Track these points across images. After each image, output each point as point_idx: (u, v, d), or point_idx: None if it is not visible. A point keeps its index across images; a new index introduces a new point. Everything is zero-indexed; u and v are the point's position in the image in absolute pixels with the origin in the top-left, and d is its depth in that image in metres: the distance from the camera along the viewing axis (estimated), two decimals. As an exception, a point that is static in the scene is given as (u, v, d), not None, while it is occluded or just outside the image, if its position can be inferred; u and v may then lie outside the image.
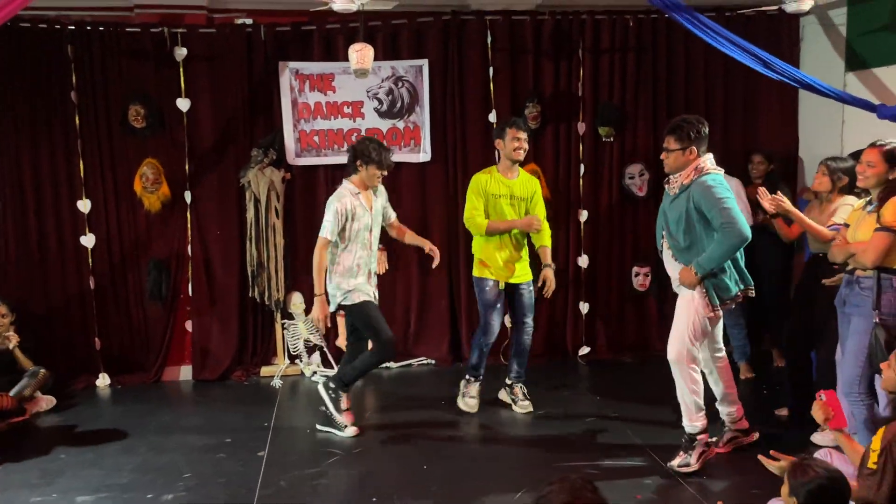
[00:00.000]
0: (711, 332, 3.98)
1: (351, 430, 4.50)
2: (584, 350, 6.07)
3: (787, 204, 4.14)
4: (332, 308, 4.56)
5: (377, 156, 4.40)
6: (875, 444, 2.76)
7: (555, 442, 4.37)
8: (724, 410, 4.18)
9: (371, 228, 4.50)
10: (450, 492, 3.79)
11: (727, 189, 3.73)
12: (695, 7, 5.57)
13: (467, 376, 4.95)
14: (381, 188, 4.61)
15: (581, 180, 6.00)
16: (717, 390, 4.17)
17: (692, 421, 3.95)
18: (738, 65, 5.78)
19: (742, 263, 3.88)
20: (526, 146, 4.75)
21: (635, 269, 6.07)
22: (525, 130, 4.75)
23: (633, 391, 5.26)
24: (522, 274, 4.82)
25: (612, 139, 5.97)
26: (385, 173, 4.50)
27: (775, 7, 4.93)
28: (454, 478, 3.97)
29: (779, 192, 4.41)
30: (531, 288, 4.87)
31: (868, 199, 3.74)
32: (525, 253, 4.85)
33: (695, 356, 3.88)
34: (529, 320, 4.87)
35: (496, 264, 4.74)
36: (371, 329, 4.51)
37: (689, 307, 3.82)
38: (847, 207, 4.21)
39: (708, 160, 3.80)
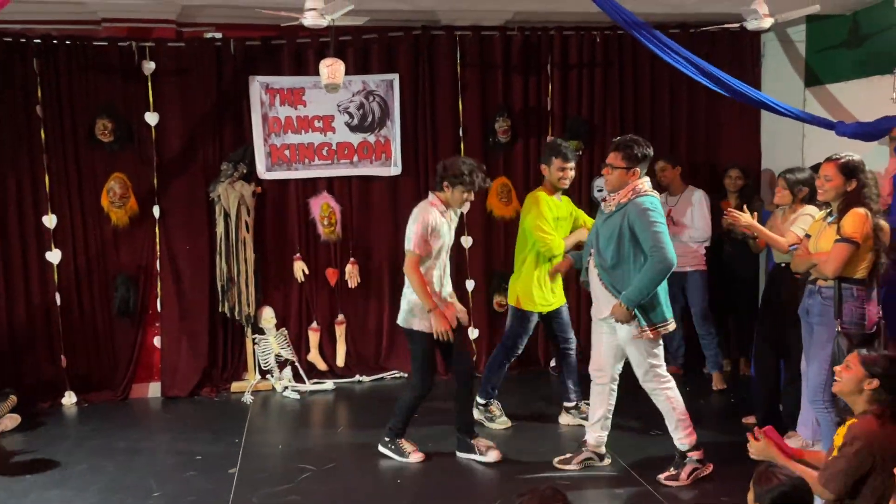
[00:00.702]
0: (627, 352, 3.97)
1: (416, 457, 4.34)
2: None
3: (743, 219, 4.25)
4: (400, 322, 4.32)
5: (468, 177, 4.08)
6: (837, 440, 2.85)
7: (528, 454, 4.40)
8: (595, 435, 4.17)
9: (448, 250, 4.28)
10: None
11: (661, 215, 3.83)
12: (660, 23, 5.72)
13: (484, 400, 4.86)
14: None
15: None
16: (601, 412, 4.15)
17: (681, 435, 3.98)
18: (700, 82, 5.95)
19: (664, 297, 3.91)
20: (572, 174, 4.64)
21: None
22: (573, 160, 4.60)
23: None
24: (561, 295, 4.83)
25: (580, 153, 6.04)
26: (472, 198, 4.21)
27: (737, 25, 5.06)
28: (428, 492, 3.98)
29: (745, 207, 4.52)
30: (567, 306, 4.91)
31: (829, 210, 3.84)
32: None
33: (663, 374, 3.94)
34: (573, 336, 4.90)
35: (548, 291, 4.64)
36: (418, 366, 4.30)
37: (636, 341, 3.86)
38: (806, 218, 4.32)
39: (646, 182, 3.88)
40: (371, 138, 5.87)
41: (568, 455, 4.18)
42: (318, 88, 5.58)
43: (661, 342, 3.95)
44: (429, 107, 5.88)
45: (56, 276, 5.45)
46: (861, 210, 3.63)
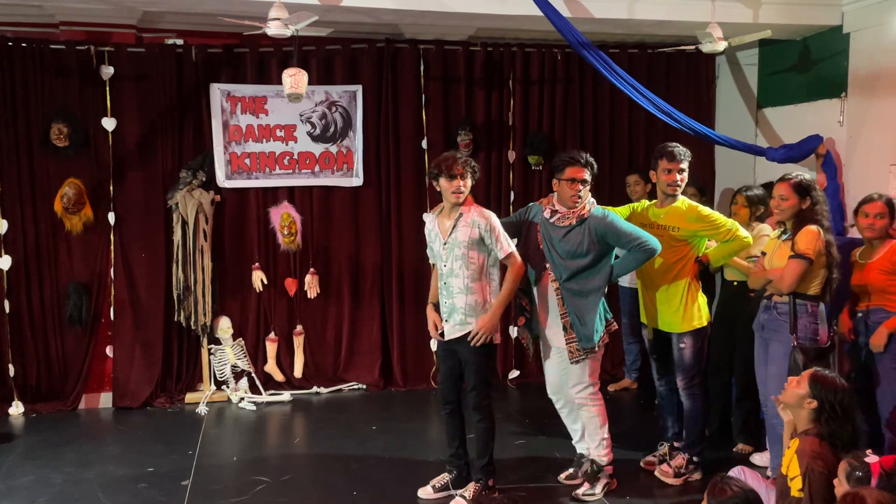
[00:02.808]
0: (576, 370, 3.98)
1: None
2: (514, 373, 6.16)
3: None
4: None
5: (435, 167, 3.79)
6: (792, 469, 2.88)
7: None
8: (583, 446, 4.16)
9: (445, 261, 3.81)
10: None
11: (619, 217, 3.97)
12: (620, 42, 5.85)
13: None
14: (481, 224, 3.75)
15: (511, 207, 6.13)
16: (579, 427, 4.13)
17: (600, 450, 4.04)
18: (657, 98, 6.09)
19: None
20: (681, 178, 4.13)
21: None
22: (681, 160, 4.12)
23: None
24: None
25: (541, 167, 6.13)
26: (459, 183, 3.73)
27: (693, 47, 5.21)
28: None
29: None
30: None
31: (783, 228, 3.94)
32: None
33: (597, 391, 4.02)
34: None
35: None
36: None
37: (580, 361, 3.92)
38: (764, 238, 4.44)
39: (590, 195, 3.99)
40: (333, 149, 5.86)
41: (586, 485, 4.01)
42: (280, 97, 5.57)
43: (599, 359, 4.01)
44: (392, 118, 5.90)
45: (5, 283, 5.31)
46: (813, 227, 3.74)
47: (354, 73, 5.83)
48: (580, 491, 4.00)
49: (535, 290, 4.06)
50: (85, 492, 4.09)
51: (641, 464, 4.38)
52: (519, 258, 3.83)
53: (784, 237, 3.88)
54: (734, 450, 4.61)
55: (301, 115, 5.77)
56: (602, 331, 3.93)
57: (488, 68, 6.01)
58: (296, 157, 5.79)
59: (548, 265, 3.94)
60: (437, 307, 3.96)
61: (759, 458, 4.38)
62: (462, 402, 3.98)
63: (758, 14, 5.18)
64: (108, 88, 5.38)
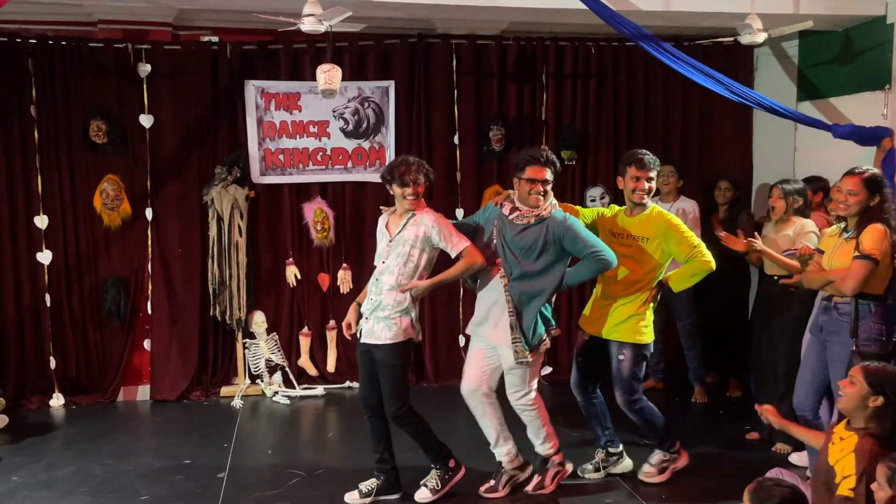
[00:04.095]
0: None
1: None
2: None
3: (758, 244, 4.26)
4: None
5: (388, 173, 3.80)
6: (846, 466, 2.75)
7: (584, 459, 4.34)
8: (502, 451, 4.00)
9: (385, 259, 3.82)
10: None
11: (580, 223, 3.85)
12: (654, 35, 5.74)
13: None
14: (429, 222, 3.76)
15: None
16: (493, 433, 3.99)
17: (546, 444, 4.00)
18: (694, 93, 6.01)
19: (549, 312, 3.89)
20: (649, 186, 4.00)
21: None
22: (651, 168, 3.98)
23: None
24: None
25: (573, 162, 6.09)
26: (409, 191, 3.74)
27: (731, 39, 5.11)
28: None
29: (740, 231, 4.51)
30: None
31: (843, 225, 3.73)
32: None
33: (535, 396, 3.92)
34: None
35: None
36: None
37: (519, 367, 3.82)
38: (811, 235, 4.32)
39: (552, 195, 3.87)
40: (366, 144, 5.88)
41: (491, 482, 3.97)
42: (313, 94, 5.60)
43: (539, 366, 3.95)
44: (424, 114, 5.90)
45: (46, 278, 5.43)
46: (880, 226, 3.53)
47: (387, 68, 5.84)
48: (530, 487, 3.97)
49: (478, 282, 3.93)
50: (123, 483, 4.16)
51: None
52: (477, 253, 3.76)
53: (846, 235, 3.66)
54: (773, 449, 4.53)
55: (334, 111, 5.79)
56: (543, 335, 3.81)
57: (521, 63, 5.97)
58: (328, 152, 5.82)
59: (498, 261, 3.82)
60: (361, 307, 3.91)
61: (798, 458, 4.30)
62: (381, 402, 3.86)
63: (799, 4, 5.08)
64: (145, 86, 5.46)
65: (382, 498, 3.92)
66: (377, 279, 3.83)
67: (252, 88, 5.64)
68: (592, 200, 6.10)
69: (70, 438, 4.87)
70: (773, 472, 3.35)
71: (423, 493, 3.89)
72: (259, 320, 5.77)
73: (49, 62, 5.31)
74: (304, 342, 5.87)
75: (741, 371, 5.56)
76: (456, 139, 5.94)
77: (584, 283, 4.16)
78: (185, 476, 4.25)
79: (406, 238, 3.77)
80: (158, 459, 4.51)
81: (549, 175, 3.76)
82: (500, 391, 4.00)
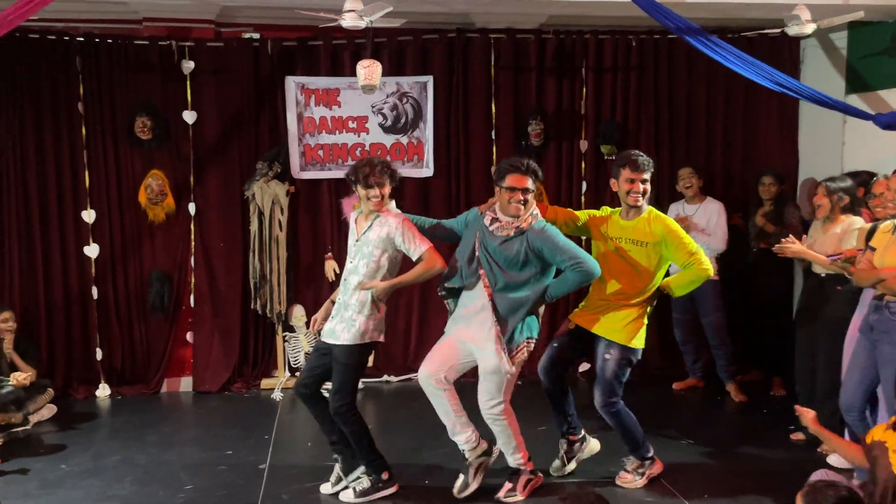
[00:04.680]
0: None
1: None
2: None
3: (794, 247, 4.15)
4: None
5: (352, 174, 3.81)
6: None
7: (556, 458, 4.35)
8: (461, 438, 3.89)
9: (353, 258, 3.83)
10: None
11: (560, 233, 3.74)
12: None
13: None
14: (393, 224, 3.75)
15: (583, 197, 6.04)
16: (446, 416, 3.89)
17: (516, 455, 3.91)
18: (738, 86, 5.90)
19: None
20: (643, 188, 3.88)
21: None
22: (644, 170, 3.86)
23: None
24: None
25: (613, 157, 6.01)
26: (372, 192, 3.74)
27: (777, 30, 5.00)
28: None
29: (786, 221, 4.40)
30: None
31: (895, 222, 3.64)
32: None
33: (507, 407, 3.81)
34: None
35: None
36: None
37: (495, 374, 3.72)
38: (856, 232, 4.21)
39: (535, 204, 3.77)
40: (404, 140, 5.89)
41: (460, 480, 3.89)
42: (352, 89, 5.63)
43: (515, 379, 3.82)
44: (462, 109, 5.89)
45: (93, 271, 5.55)
46: None
47: (425, 63, 5.84)
48: (502, 493, 3.88)
49: (462, 293, 3.83)
50: (167, 473, 4.24)
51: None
52: (437, 256, 3.69)
53: None
54: (818, 450, 4.43)
55: (373, 107, 5.81)
56: (521, 342, 3.71)
57: (560, 56, 5.92)
58: (367, 148, 5.85)
59: (482, 271, 3.74)
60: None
61: (836, 460, 4.19)
62: (318, 391, 3.91)
63: (849, -6, 4.95)
64: (188, 82, 5.55)
65: (352, 476, 3.93)
66: (346, 279, 3.84)
67: (292, 84, 5.69)
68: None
69: (116, 428, 4.99)
70: (819, 474, 3.27)
71: (347, 494, 3.88)
72: (299, 314, 5.83)
73: (96, 60, 5.43)
74: (343, 336, 5.90)
75: (785, 370, 5.44)
76: (494, 134, 5.91)
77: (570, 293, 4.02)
78: (227, 467, 4.32)
79: (370, 238, 3.76)
80: (201, 450, 4.59)
81: (529, 184, 3.66)
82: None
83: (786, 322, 5.51)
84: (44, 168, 5.45)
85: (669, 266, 3.98)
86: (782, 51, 6.02)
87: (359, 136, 5.84)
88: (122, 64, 5.47)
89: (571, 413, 4.17)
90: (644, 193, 3.85)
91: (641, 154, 3.90)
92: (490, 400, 3.79)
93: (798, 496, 2.45)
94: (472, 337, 3.79)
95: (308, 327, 5.81)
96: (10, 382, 4.71)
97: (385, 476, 3.92)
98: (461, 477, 3.89)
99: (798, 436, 4.65)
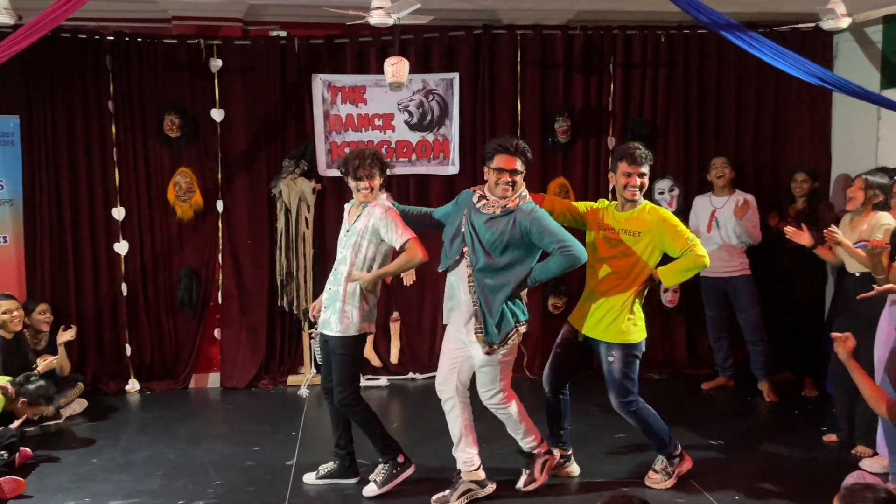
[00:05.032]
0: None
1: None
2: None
3: (839, 235, 4.09)
4: None
5: (343, 166, 3.88)
6: None
7: (586, 458, 4.31)
8: (461, 456, 3.84)
9: (343, 249, 3.87)
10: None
11: (548, 215, 3.68)
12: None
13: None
14: (378, 214, 3.78)
15: (610, 195, 5.97)
16: (457, 432, 3.85)
17: (528, 439, 3.89)
18: (769, 81, 5.81)
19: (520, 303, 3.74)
20: (641, 182, 3.84)
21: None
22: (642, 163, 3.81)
23: (661, 408, 5.13)
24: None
25: (641, 154, 5.95)
26: (362, 184, 3.78)
27: (811, 24, 4.91)
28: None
29: (804, 224, 4.34)
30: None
31: None
32: None
33: (507, 395, 3.78)
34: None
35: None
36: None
37: (492, 357, 3.68)
38: (883, 228, 4.14)
39: (524, 186, 3.72)
40: (430, 137, 5.88)
41: (446, 492, 3.80)
42: (379, 87, 5.63)
43: (510, 365, 3.79)
44: (488, 106, 5.86)
45: (123, 267, 5.62)
46: None
47: (451, 60, 5.82)
48: (521, 483, 3.87)
49: (448, 276, 3.78)
50: (196, 468, 4.27)
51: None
52: (419, 246, 3.68)
53: None
54: (853, 452, 4.35)
55: (399, 104, 5.81)
56: (511, 329, 3.64)
57: (587, 52, 5.87)
58: (393, 145, 5.85)
59: (465, 249, 3.68)
60: None
61: (870, 465, 4.10)
62: None
63: (885, -13, 4.84)
64: (216, 81, 5.58)
65: (338, 481, 3.99)
66: (336, 269, 3.87)
67: (319, 82, 5.71)
68: (661, 193, 5.96)
69: (145, 423, 5.05)
70: (854, 477, 3.22)
71: (370, 488, 3.89)
72: (325, 311, 5.84)
73: (126, 58, 5.49)
74: (369, 336, 5.91)
75: (816, 370, 5.36)
76: (519, 131, 5.87)
77: (556, 277, 3.96)
78: (255, 462, 4.34)
79: (358, 229, 3.80)
80: (229, 446, 4.62)
81: (518, 165, 3.63)
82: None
83: (818, 322, 5.42)
84: (75, 166, 5.52)
85: (662, 257, 3.90)
86: (815, 45, 5.91)
87: (385, 134, 5.84)
88: (152, 62, 5.52)
89: (565, 427, 4.12)
90: (641, 187, 3.82)
91: (639, 147, 3.86)
92: (488, 391, 3.78)
93: (835, 499, 2.40)
94: (459, 322, 3.76)
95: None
96: (37, 371, 4.76)
97: (400, 459, 3.93)
98: (447, 490, 3.81)
99: (831, 437, 4.57)
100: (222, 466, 4.29)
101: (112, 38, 5.44)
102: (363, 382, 5.77)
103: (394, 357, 5.96)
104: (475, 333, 3.66)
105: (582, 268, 3.79)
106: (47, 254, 5.51)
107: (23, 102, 5.40)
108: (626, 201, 3.84)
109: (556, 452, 4.07)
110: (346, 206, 4.02)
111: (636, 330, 3.82)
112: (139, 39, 5.49)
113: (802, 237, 4.23)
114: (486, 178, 3.74)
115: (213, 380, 5.85)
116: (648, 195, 5.92)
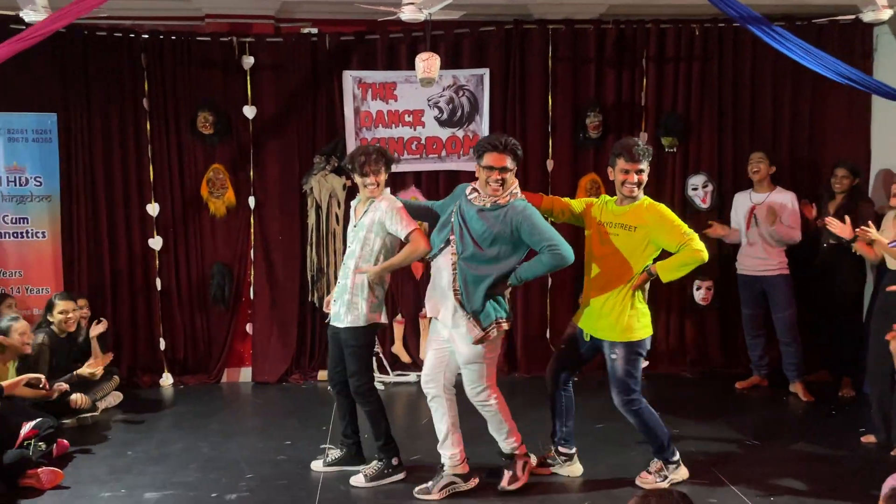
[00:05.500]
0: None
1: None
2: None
3: (872, 233, 4.01)
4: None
5: (349, 162, 3.97)
6: None
7: (616, 457, 4.29)
8: (447, 452, 3.88)
9: (351, 243, 3.97)
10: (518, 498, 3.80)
11: (540, 214, 3.70)
12: (765, 16, 5.46)
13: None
14: (383, 207, 3.85)
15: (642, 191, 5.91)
16: (444, 429, 3.87)
17: (509, 440, 3.89)
18: (806, 75, 5.67)
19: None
20: (639, 179, 3.78)
21: (697, 282, 5.93)
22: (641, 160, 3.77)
23: (694, 407, 5.15)
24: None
25: (675, 149, 5.88)
26: (368, 180, 3.86)
27: (850, 17, 4.79)
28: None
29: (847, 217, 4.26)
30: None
31: None
32: None
33: (493, 391, 3.79)
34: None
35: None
36: None
37: (476, 349, 3.68)
38: None
39: (516, 183, 3.72)
40: (460, 133, 5.87)
41: (428, 483, 3.85)
42: (409, 83, 5.63)
43: (495, 362, 3.78)
44: (518, 102, 5.83)
45: (157, 263, 5.70)
46: None
47: (482, 56, 5.80)
48: (504, 483, 3.86)
49: (433, 265, 3.82)
50: (229, 461, 4.32)
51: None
52: (422, 238, 3.79)
53: None
54: (893, 454, 4.25)
55: (429, 100, 5.80)
56: (492, 323, 3.65)
57: (620, 47, 5.80)
58: (423, 141, 5.84)
59: (452, 237, 3.71)
60: None
61: None
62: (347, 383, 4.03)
63: (930, -24, 4.71)
64: (248, 77, 5.63)
65: (346, 468, 4.10)
66: (345, 262, 3.97)
67: (349, 79, 5.72)
68: (694, 189, 5.88)
69: (179, 417, 5.11)
70: (894, 480, 3.14)
71: (357, 478, 3.99)
72: (355, 307, 5.86)
73: (160, 56, 5.55)
74: (398, 329, 5.93)
75: (855, 370, 5.24)
76: (550, 127, 5.83)
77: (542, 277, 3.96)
78: (286, 457, 4.37)
79: (365, 223, 3.89)
80: (261, 440, 4.67)
81: (508, 163, 3.63)
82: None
83: (856, 321, 5.30)
84: (110, 162, 5.60)
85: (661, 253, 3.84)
86: (854, 39, 5.78)
87: (414, 130, 5.84)
88: (185, 60, 5.58)
89: (568, 424, 4.09)
90: (640, 184, 3.78)
91: (638, 143, 3.82)
92: (474, 388, 3.78)
93: (882, 501, 2.34)
94: (443, 322, 3.76)
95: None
96: (76, 374, 4.83)
97: (395, 462, 4.03)
98: (429, 482, 3.85)
99: (869, 438, 4.47)
100: (254, 460, 4.32)
101: (147, 36, 5.52)
102: (393, 378, 5.80)
103: (423, 353, 5.92)
104: (467, 321, 3.66)
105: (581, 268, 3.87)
106: (84, 249, 5.60)
107: (60, 100, 5.49)
108: (625, 197, 3.82)
109: (563, 450, 4.09)
110: (353, 203, 4.12)
111: (639, 327, 3.78)
112: (173, 37, 5.55)
113: (844, 229, 4.14)
114: (476, 175, 3.76)
115: (245, 374, 5.91)
116: (681, 191, 5.90)
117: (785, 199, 5.31)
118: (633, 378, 3.81)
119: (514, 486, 3.87)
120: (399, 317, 5.94)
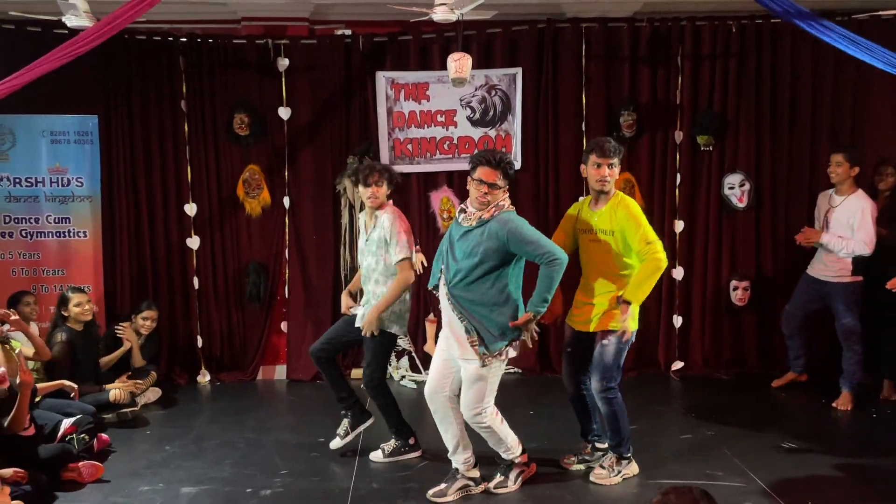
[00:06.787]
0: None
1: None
2: (678, 365, 5.90)
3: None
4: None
5: (353, 175, 4.25)
6: None
7: (650, 458, 4.25)
8: (459, 458, 3.91)
9: (367, 257, 4.21)
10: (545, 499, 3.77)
11: (527, 223, 3.69)
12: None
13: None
14: (385, 225, 4.08)
15: (677, 190, 5.85)
16: (451, 438, 3.90)
17: (509, 452, 3.91)
18: (848, 69, 5.56)
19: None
20: (609, 173, 3.85)
21: (734, 283, 5.86)
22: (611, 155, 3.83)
23: (730, 409, 5.08)
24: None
25: (711, 148, 5.81)
26: (369, 191, 4.07)
27: (891, 12, 4.67)
28: (551, 487, 3.93)
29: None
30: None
31: None
32: None
33: (491, 411, 3.79)
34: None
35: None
36: None
37: (481, 371, 3.67)
38: None
39: (506, 197, 3.73)
40: (492, 133, 5.87)
41: (442, 486, 3.87)
42: (441, 83, 5.64)
43: (496, 384, 3.76)
44: (551, 101, 5.81)
45: (195, 262, 5.80)
46: None
47: (514, 55, 5.79)
48: (492, 484, 3.90)
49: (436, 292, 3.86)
50: (264, 457, 4.39)
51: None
52: (410, 268, 4.04)
53: None
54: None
55: (461, 100, 5.81)
56: (501, 347, 3.64)
57: (654, 45, 5.75)
58: (455, 141, 5.86)
59: (442, 266, 3.75)
60: (352, 296, 4.50)
61: None
62: (332, 359, 4.36)
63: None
64: (283, 79, 5.70)
65: (359, 430, 4.35)
66: (366, 275, 4.23)
67: (382, 79, 5.76)
68: (731, 188, 5.80)
69: (216, 413, 5.21)
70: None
71: (376, 454, 4.29)
72: (387, 306, 5.90)
73: (197, 59, 5.66)
74: (430, 328, 5.95)
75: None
76: (584, 126, 5.80)
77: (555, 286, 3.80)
78: (319, 454, 4.43)
79: (374, 239, 4.14)
80: (295, 436, 4.73)
81: (498, 180, 3.64)
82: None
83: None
84: (150, 163, 5.72)
85: None
86: (895, 34, 5.63)
87: (447, 130, 5.85)
88: (222, 62, 5.68)
89: (598, 420, 4.14)
90: (610, 178, 3.84)
91: (609, 140, 3.89)
92: (471, 410, 3.77)
93: None
94: (450, 344, 3.79)
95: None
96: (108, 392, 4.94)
97: (412, 441, 4.32)
98: (442, 485, 3.87)
99: None
100: (289, 456, 4.39)
101: (185, 39, 5.62)
102: (425, 377, 5.81)
103: (430, 349, 5.97)
104: (472, 346, 3.67)
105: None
106: (125, 248, 5.73)
107: (100, 103, 5.63)
108: (598, 193, 3.89)
109: (599, 445, 4.15)
110: (360, 217, 4.29)
111: (630, 319, 3.82)
112: (210, 40, 5.65)
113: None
114: (467, 187, 3.78)
115: (280, 372, 5.99)
116: (717, 190, 5.82)
117: (857, 207, 4.97)
118: (618, 367, 3.90)
119: (500, 492, 3.91)
120: (431, 316, 5.96)
